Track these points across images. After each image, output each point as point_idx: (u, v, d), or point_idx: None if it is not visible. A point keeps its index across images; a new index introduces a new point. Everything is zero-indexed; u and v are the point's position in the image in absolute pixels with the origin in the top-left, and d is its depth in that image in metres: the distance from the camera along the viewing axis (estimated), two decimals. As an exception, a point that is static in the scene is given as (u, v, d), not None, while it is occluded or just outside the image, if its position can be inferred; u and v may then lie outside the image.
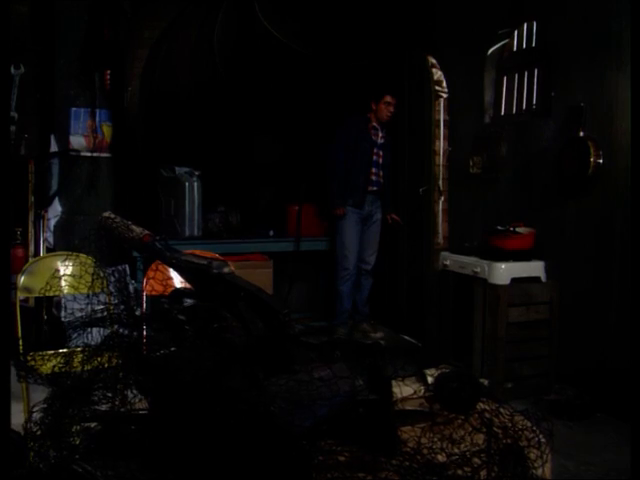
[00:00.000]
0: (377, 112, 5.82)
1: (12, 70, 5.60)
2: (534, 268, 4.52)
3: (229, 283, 1.59)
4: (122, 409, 1.48)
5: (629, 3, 3.83)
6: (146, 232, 1.83)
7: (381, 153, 5.91)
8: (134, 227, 1.87)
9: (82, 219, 5.80)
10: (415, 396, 1.66)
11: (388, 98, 5.77)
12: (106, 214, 2.01)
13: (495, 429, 1.51)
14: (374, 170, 5.88)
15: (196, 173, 5.83)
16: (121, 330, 1.64)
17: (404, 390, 1.68)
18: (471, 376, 1.68)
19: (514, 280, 4.44)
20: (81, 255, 4.54)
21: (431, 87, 5.54)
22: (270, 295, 1.58)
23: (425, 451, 1.39)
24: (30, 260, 4.84)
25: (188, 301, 1.68)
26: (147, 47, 6.14)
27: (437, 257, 5.11)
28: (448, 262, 4.86)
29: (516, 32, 4.98)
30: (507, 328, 4.39)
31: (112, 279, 4.37)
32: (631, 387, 3.58)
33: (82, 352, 1.59)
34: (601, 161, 4.17)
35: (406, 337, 5.61)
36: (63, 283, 3.78)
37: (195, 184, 5.79)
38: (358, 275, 6.04)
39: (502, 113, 5.12)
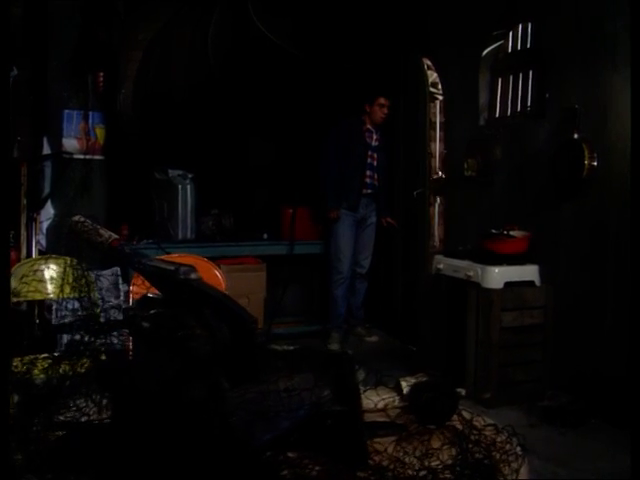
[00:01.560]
0: (371, 114, 5.78)
1: (5, 72, 5.57)
2: (528, 272, 4.46)
3: (195, 289, 1.54)
4: (83, 419, 1.43)
5: (627, 4, 3.80)
6: (115, 237, 1.78)
7: (376, 156, 5.86)
8: (103, 231, 1.82)
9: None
10: (390, 406, 1.61)
11: (382, 100, 5.72)
12: (75, 218, 1.97)
13: (468, 442, 1.46)
14: (368, 173, 5.84)
15: (189, 176, 5.80)
16: (86, 338, 1.59)
17: (378, 399, 1.63)
18: (447, 386, 1.62)
19: (508, 284, 4.38)
20: (67, 258, 4.53)
21: (426, 89, 5.50)
22: (237, 303, 1.53)
23: (394, 465, 1.34)
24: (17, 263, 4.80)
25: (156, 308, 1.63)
26: (141, 49, 6.12)
27: (432, 260, 5.06)
28: (442, 266, 4.80)
29: (511, 33, 4.93)
30: (500, 333, 4.33)
31: (104, 282, 4.35)
32: (630, 389, 3.53)
33: (44, 359, 1.55)
34: (595, 163, 4.12)
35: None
36: (49, 287, 3.76)
37: (188, 187, 5.76)
38: (353, 279, 6.00)
39: (497, 115, 5.08)
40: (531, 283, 4.45)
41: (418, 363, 5.07)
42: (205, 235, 5.91)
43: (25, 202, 5.58)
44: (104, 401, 1.38)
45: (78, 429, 1.37)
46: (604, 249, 4.11)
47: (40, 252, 5.67)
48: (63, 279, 3.60)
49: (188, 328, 1.51)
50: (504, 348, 4.35)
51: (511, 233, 4.50)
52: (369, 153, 5.83)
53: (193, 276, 1.58)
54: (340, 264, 5.82)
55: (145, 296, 1.71)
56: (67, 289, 3.88)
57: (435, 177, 5.67)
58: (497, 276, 4.36)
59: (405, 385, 1.64)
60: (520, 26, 4.85)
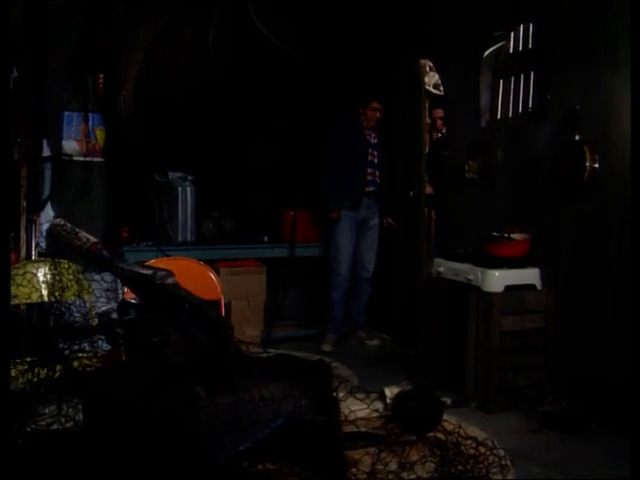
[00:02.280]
0: (364, 117, 5.77)
1: (5, 74, 5.55)
2: (529, 275, 4.40)
3: (171, 295, 1.50)
4: (55, 426, 1.39)
5: (628, 3, 3.75)
6: (94, 240, 1.75)
7: (376, 153, 5.85)
8: (82, 235, 1.79)
9: (75, 224, 5.72)
10: (373, 415, 1.57)
11: (374, 104, 5.72)
12: (56, 221, 1.94)
13: (450, 453, 1.41)
14: (370, 170, 5.83)
15: (189, 178, 5.78)
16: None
17: (361, 409, 1.59)
18: (432, 395, 1.57)
19: (508, 288, 4.32)
20: (63, 261, 4.50)
21: (421, 90, 5.48)
22: (213, 309, 1.48)
23: (373, 477, 1.30)
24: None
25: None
26: (142, 50, 6.09)
27: (431, 263, 5.02)
28: (442, 269, 4.75)
29: (512, 34, 4.87)
30: (501, 337, 4.27)
31: (103, 285, 4.31)
32: (631, 394, 3.48)
33: (20, 364, 1.52)
34: (597, 165, 4.06)
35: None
36: (44, 290, 3.73)
37: (188, 189, 5.73)
38: (356, 283, 5.96)
39: (498, 116, 5.02)
40: (532, 287, 4.39)
41: (418, 367, 5.03)
42: (205, 237, 5.88)
43: (25, 204, 5.56)
44: (75, 408, 1.34)
45: (49, 437, 1.33)
46: (606, 252, 4.05)
47: (40, 254, 5.64)
48: (53, 283, 3.61)
49: (164, 334, 1.47)
50: (504, 352, 4.30)
51: (512, 236, 4.45)
52: (369, 151, 5.83)
53: (169, 281, 1.55)
54: (339, 266, 5.78)
55: (124, 301, 1.67)
56: (60, 292, 3.90)
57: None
58: (497, 279, 4.31)
59: (389, 394, 1.59)
60: (522, 26, 4.79)
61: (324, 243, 6.02)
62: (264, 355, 1.47)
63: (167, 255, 5.40)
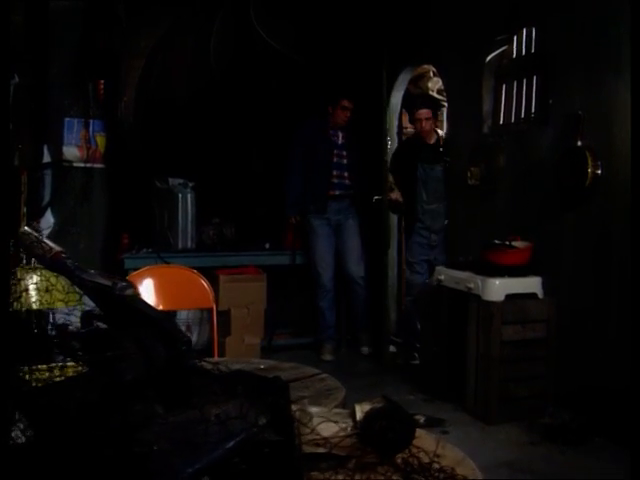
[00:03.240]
0: (333, 116, 5.67)
1: (6, 80, 5.54)
2: (530, 284, 4.31)
3: (129, 306, 1.44)
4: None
5: (628, 5, 3.67)
6: (57, 249, 1.69)
7: (345, 153, 5.72)
8: (45, 244, 1.73)
9: (75, 231, 5.70)
10: (341, 434, 1.49)
11: (345, 102, 5.62)
12: (22, 229, 1.87)
13: (418, 476, 1.33)
14: (336, 172, 5.71)
15: (190, 184, 5.72)
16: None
17: (329, 427, 1.52)
18: (404, 414, 1.50)
19: (509, 297, 4.24)
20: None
21: (383, 92, 5.42)
22: (172, 321, 1.42)
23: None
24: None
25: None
26: (143, 56, 6.06)
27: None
28: (443, 277, 4.67)
29: (515, 38, 4.79)
30: (501, 347, 4.18)
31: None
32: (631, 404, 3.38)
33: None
34: (599, 172, 3.97)
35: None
36: (34, 297, 3.68)
37: (189, 195, 5.68)
38: (348, 285, 5.85)
39: (501, 122, 4.93)
40: (533, 295, 4.31)
41: (419, 377, 4.95)
42: (206, 244, 5.82)
43: (25, 210, 5.53)
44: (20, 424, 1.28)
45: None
46: (608, 261, 3.96)
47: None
48: (48, 289, 3.56)
49: (120, 348, 1.41)
50: (505, 363, 4.21)
51: (513, 244, 4.36)
52: (335, 152, 5.71)
53: (129, 292, 1.49)
54: (320, 277, 5.73)
55: (87, 312, 1.61)
56: (52, 299, 3.86)
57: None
58: (498, 288, 4.22)
59: (359, 411, 1.52)
60: (524, 30, 4.71)
61: (304, 253, 5.93)
62: (224, 371, 1.40)
63: (167, 262, 5.37)
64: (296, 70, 5.69)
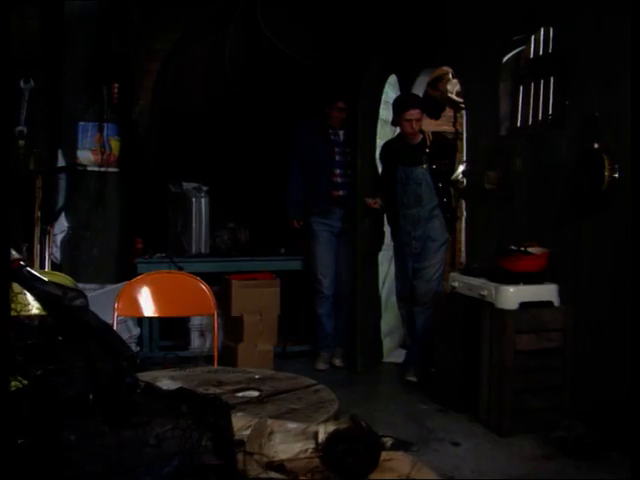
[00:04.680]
0: (329, 118, 5.52)
1: (22, 84, 5.56)
2: (546, 292, 4.16)
3: (77, 317, 1.37)
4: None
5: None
6: (15, 257, 1.61)
7: (348, 150, 5.54)
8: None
9: (89, 235, 5.69)
10: (301, 456, 1.40)
11: (341, 104, 5.46)
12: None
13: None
14: (338, 171, 5.53)
15: (204, 189, 5.67)
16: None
17: (290, 448, 1.42)
18: (369, 436, 1.40)
19: (523, 305, 4.09)
20: (57, 273, 4.43)
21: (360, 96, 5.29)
22: (115, 334, 1.34)
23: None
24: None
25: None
26: (158, 60, 6.05)
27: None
28: (457, 284, 4.54)
29: (533, 38, 4.65)
30: (515, 357, 4.04)
31: (101, 300, 4.20)
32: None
33: None
34: (617, 175, 3.81)
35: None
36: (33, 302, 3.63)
37: (203, 200, 5.63)
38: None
39: (518, 124, 4.79)
40: (549, 304, 4.16)
41: (433, 386, 4.83)
42: (220, 249, 5.76)
43: (39, 214, 5.54)
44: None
45: None
46: (627, 268, 3.79)
47: (54, 265, 5.61)
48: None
49: (63, 362, 1.33)
50: (519, 373, 4.06)
51: (529, 250, 4.22)
52: (337, 150, 5.54)
53: (77, 302, 1.41)
54: (320, 284, 5.56)
55: (40, 322, 1.54)
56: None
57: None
58: (512, 296, 4.08)
59: (323, 432, 1.42)
60: (542, 30, 4.56)
61: (304, 258, 5.80)
62: (166, 388, 1.31)
63: (179, 267, 5.32)
64: (309, 73, 5.60)
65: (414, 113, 4.99)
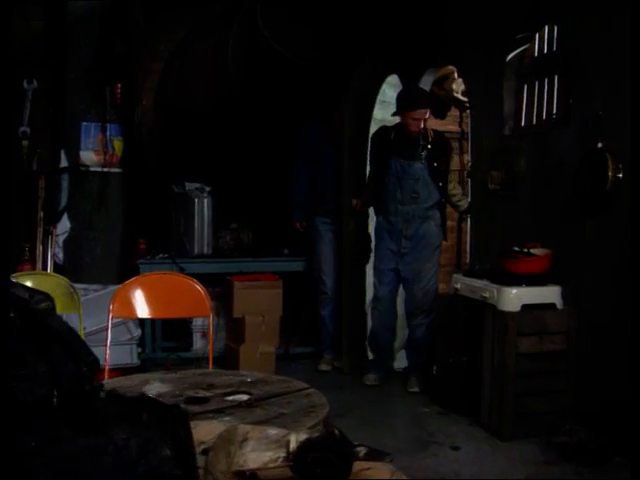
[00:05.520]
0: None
1: (25, 85, 5.55)
2: (549, 294, 4.10)
3: (42, 321, 1.33)
4: None
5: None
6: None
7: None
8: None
9: (92, 235, 5.67)
10: (270, 465, 1.35)
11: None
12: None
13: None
14: None
15: (207, 189, 5.65)
16: None
17: (260, 457, 1.38)
18: (342, 446, 1.35)
19: (526, 307, 4.03)
20: (54, 275, 4.41)
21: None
22: (79, 339, 1.30)
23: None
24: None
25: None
26: (162, 60, 6.02)
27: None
28: (459, 285, 4.48)
29: (537, 36, 4.58)
30: (517, 359, 3.98)
31: (101, 301, 4.17)
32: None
33: None
34: (621, 175, 3.74)
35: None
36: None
37: (205, 200, 5.61)
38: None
39: (522, 124, 4.72)
40: (552, 306, 4.09)
41: (435, 389, 4.77)
42: (222, 250, 5.73)
43: (42, 215, 5.52)
44: None
45: None
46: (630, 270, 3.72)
47: (57, 265, 5.60)
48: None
49: (26, 366, 1.29)
50: (521, 376, 4.00)
51: (532, 251, 4.15)
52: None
53: (43, 306, 1.37)
54: (323, 284, 5.55)
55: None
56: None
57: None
58: (514, 298, 4.02)
59: (294, 441, 1.38)
60: (546, 28, 4.49)
61: (307, 258, 5.75)
62: (130, 395, 1.27)
63: (182, 268, 5.30)
64: (309, 75, 5.55)
65: (423, 112, 4.81)
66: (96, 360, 1.29)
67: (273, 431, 1.78)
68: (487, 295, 4.13)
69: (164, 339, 5.75)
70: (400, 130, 4.93)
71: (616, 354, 3.82)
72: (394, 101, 5.03)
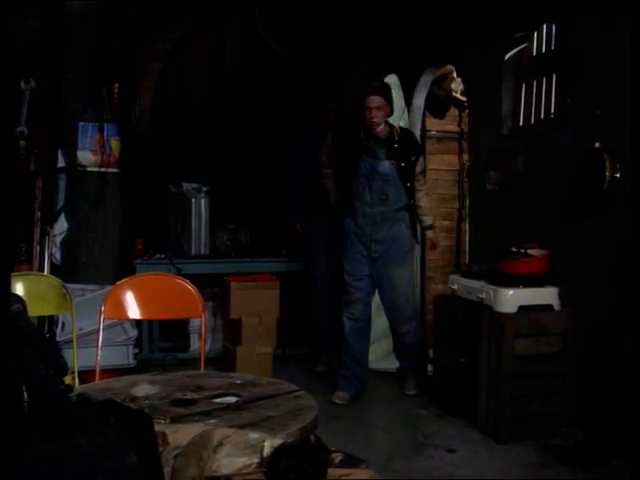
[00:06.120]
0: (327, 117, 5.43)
1: (23, 85, 5.53)
2: (546, 295, 4.06)
3: (11, 323, 1.30)
4: None
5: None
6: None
7: None
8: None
9: (89, 235, 5.65)
10: (243, 471, 1.32)
11: (333, 104, 5.38)
12: None
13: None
14: None
15: (204, 189, 5.63)
16: None
17: (233, 463, 1.35)
18: (317, 452, 1.32)
19: (523, 308, 3.99)
20: (46, 275, 4.39)
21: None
22: (47, 342, 1.28)
23: None
24: None
25: None
26: (160, 60, 6.00)
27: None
28: (456, 286, 4.45)
29: (535, 35, 4.54)
30: (513, 361, 3.94)
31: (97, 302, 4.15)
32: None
33: None
34: (618, 175, 3.70)
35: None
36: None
37: (202, 200, 5.59)
38: None
39: (520, 123, 4.68)
40: (549, 307, 4.05)
41: (433, 390, 4.74)
42: (220, 250, 5.71)
43: (39, 215, 5.51)
44: None
45: None
46: (626, 271, 3.68)
47: (54, 266, 5.58)
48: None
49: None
50: (517, 378, 3.96)
51: (529, 252, 4.12)
52: None
53: (14, 307, 1.35)
54: (320, 285, 5.50)
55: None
56: (46, 307, 3.79)
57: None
58: (510, 299, 3.98)
59: (268, 446, 1.35)
60: (545, 27, 4.45)
61: (305, 259, 5.69)
62: (97, 399, 1.24)
63: (178, 268, 5.28)
64: (307, 74, 5.53)
65: (374, 100, 4.55)
66: (64, 363, 1.27)
67: (254, 435, 1.76)
68: (484, 296, 4.09)
69: (162, 340, 5.73)
70: (368, 129, 4.68)
71: (614, 356, 3.79)
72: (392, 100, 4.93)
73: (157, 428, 1.66)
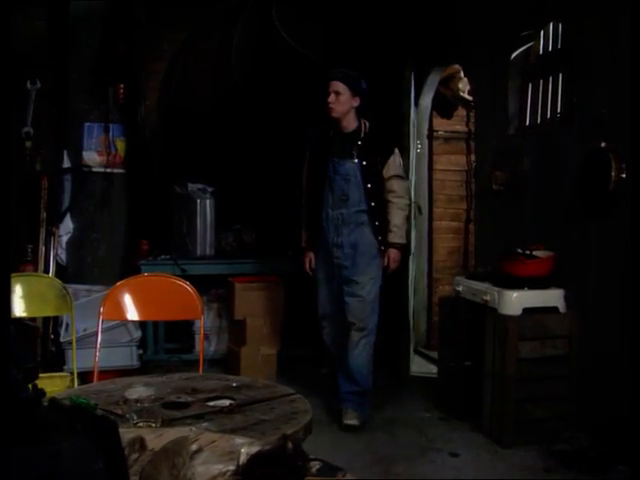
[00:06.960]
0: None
1: (29, 85, 5.53)
2: (551, 297, 4.00)
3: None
4: None
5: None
6: None
7: None
8: None
9: (95, 236, 5.64)
10: (219, 479, 1.29)
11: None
12: None
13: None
14: None
15: (209, 190, 5.61)
16: None
17: (209, 470, 1.32)
18: (294, 459, 1.28)
19: (527, 310, 3.94)
20: (47, 276, 4.38)
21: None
22: (22, 345, 1.25)
23: None
24: None
25: None
26: (165, 60, 5.99)
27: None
28: (461, 288, 4.40)
29: (542, 34, 4.48)
30: (518, 364, 3.89)
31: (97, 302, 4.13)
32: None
33: None
34: (624, 176, 3.64)
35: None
36: (23, 304, 3.59)
37: (208, 201, 5.56)
38: None
39: (527, 123, 4.63)
40: (554, 309, 3.99)
41: (437, 393, 4.69)
42: (225, 251, 5.68)
43: (44, 216, 5.51)
44: None
45: None
46: (636, 273, 3.62)
47: (59, 266, 5.58)
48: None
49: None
50: (522, 381, 3.91)
51: (534, 253, 4.06)
52: None
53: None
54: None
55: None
56: (46, 308, 3.78)
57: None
58: (515, 301, 3.93)
59: (245, 454, 1.31)
60: (551, 25, 4.40)
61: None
62: (65, 404, 1.21)
63: (183, 269, 5.27)
64: (319, 72, 5.48)
65: (333, 84, 4.24)
66: (35, 368, 1.24)
67: (240, 440, 1.73)
68: (488, 298, 4.04)
69: (167, 341, 5.71)
70: (336, 126, 4.40)
71: (620, 359, 3.72)
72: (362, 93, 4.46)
73: (138, 432, 1.64)
